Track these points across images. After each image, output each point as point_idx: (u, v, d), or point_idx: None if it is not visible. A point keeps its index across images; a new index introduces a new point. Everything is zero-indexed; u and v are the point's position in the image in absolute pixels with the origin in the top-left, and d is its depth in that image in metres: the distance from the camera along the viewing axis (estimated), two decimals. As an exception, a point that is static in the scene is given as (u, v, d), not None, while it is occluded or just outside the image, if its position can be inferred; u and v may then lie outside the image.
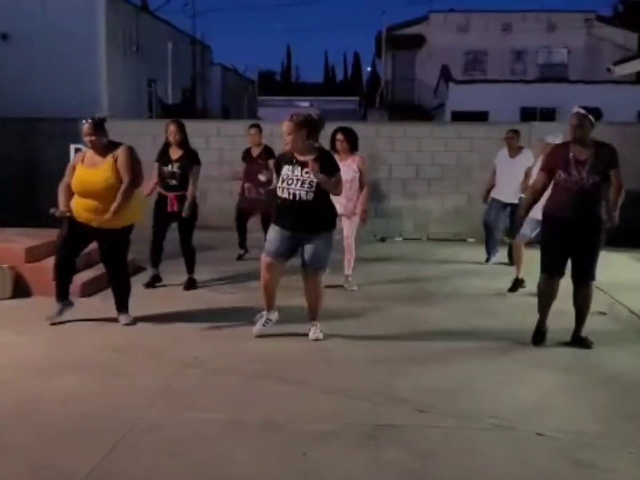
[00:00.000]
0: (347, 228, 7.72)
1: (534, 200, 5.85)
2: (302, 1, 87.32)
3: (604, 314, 6.71)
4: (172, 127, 7.50)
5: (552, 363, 5.26)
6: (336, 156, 7.52)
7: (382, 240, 11.63)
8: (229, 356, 5.34)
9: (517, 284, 7.64)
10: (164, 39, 21.40)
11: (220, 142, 11.85)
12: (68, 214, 5.92)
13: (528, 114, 22.68)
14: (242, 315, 6.36)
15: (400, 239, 11.75)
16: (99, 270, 7.49)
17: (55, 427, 4.00)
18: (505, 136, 9.26)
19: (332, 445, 3.81)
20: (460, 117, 22.27)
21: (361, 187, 7.70)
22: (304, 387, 4.67)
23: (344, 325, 6.18)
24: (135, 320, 6.16)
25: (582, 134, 5.47)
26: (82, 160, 5.97)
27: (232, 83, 30.67)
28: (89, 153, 6.00)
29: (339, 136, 7.60)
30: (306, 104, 36.30)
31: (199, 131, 11.72)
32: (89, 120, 5.91)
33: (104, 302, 6.39)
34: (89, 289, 7.03)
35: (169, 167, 7.46)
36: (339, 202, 7.50)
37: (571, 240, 5.56)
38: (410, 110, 30.22)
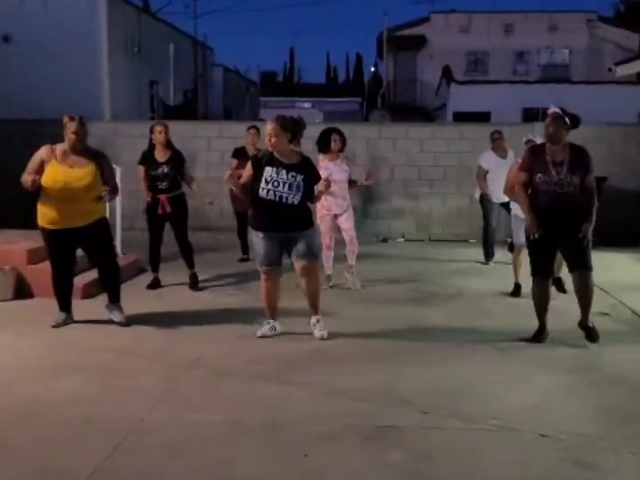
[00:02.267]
0: (345, 221, 7.74)
1: (527, 199, 5.85)
2: (304, 2, 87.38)
3: (607, 314, 6.70)
4: (160, 127, 7.49)
5: (554, 364, 5.26)
6: (326, 156, 7.60)
7: (384, 241, 11.64)
8: (231, 357, 5.34)
9: (518, 288, 7.58)
10: (166, 41, 21.38)
11: (221, 144, 11.82)
12: (38, 182, 5.77)
13: (530, 115, 22.62)
14: (244, 317, 6.37)
15: (402, 240, 11.75)
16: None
17: (57, 428, 4.00)
18: (494, 137, 9.37)
19: (334, 447, 3.80)
20: (462, 118, 22.26)
21: (351, 184, 7.83)
22: (305, 388, 4.67)
23: (346, 325, 6.18)
24: (129, 322, 6.16)
25: (554, 132, 5.52)
26: (55, 158, 5.85)
27: (234, 84, 30.64)
28: (61, 150, 5.90)
29: (336, 137, 7.65)
30: (308, 104, 36.35)
31: (200, 132, 11.75)
32: (77, 118, 5.87)
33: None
34: (91, 291, 7.03)
35: (159, 170, 7.44)
36: (335, 203, 7.57)
37: (558, 239, 5.61)
38: (412, 111, 30.24)
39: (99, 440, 3.82)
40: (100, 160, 6.00)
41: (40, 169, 5.84)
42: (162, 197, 7.46)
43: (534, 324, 5.87)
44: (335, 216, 7.69)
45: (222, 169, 11.00)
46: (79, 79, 16.50)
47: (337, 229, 7.78)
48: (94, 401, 4.41)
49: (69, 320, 6.17)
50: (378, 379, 4.85)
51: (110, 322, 6.18)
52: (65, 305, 6.19)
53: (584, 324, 5.78)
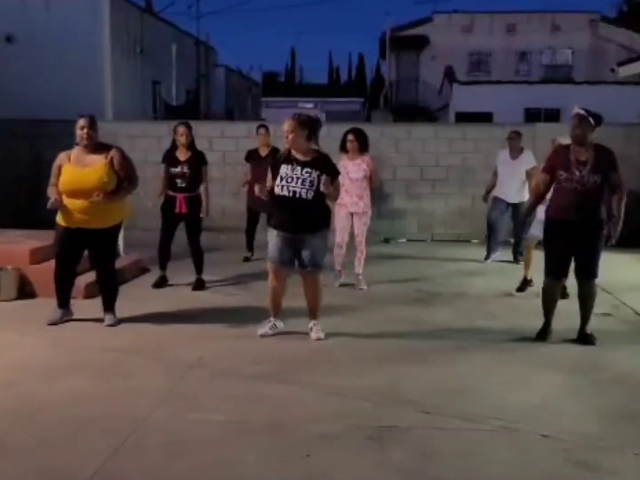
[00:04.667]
0: (358, 227, 7.81)
1: (537, 202, 5.95)
2: (306, 2, 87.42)
3: (609, 315, 6.70)
4: (182, 129, 7.55)
5: (557, 364, 5.26)
6: (345, 156, 7.66)
7: (387, 241, 11.63)
8: (233, 357, 5.34)
9: (525, 284, 7.62)
10: (169, 41, 21.40)
11: (223, 144, 11.84)
12: (59, 203, 5.88)
13: (532, 115, 22.65)
14: (246, 316, 6.37)
15: (404, 240, 11.75)
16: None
17: (59, 428, 4.00)
18: (507, 137, 9.38)
19: (336, 447, 3.81)
20: (464, 118, 22.24)
21: (372, 186, 7.83)
22: (307, 388, 4.67)
23: (348, 325, 6.18)
24: (120, 321, 6.17)
25: (581, 134, 5.55)
26: (69, 160, 5.96)
27: (236, 84, 30.66)
28: (76, 152, 5.99)
29: (350, 136, 7.72)
30: (310, 105, 36.34)
31: (202, 132, 11.71)
32: (86, 115, 5.99)
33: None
34: (94, 291, 7.02)
35: (179, 168, 7.51)
36: (350, 201, 7.63)
37: (573, 241, 5.63)
38: (414, 111, 30.21)
39: (101, 440, 3.83)
40: (111, 153, 6.01)
41: (59, 175, 5.96)
42: (180, 196, 7.51)
43: (537, 324, 5.87)
44: (351, 215, 7.73)
45: (224, 169, 11.09)
46: (82, 79, 16.51)
47: (350, 228, 7.81)
48: (96, 401, 4.41)
49: (66, 316, 6.18)
50: (380, 379, 4.85)
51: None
52: (64, 301, 6.20)
53: (582, 332, 5.79)
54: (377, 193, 8.08)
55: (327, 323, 5.95)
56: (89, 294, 6.94)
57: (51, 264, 6.25)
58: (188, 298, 7.26)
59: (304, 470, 3.55)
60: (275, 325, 5.88)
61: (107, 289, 6.29)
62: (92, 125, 5.94)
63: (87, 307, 6.48)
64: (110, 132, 11.74)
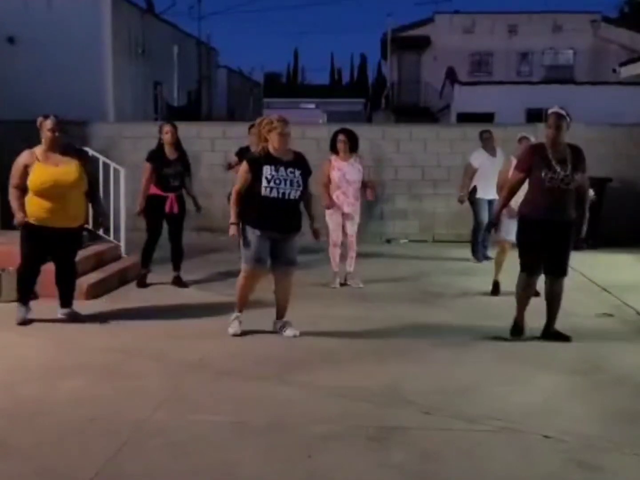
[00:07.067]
0: (350, 227, 7.85)
1: (509, 200, 5.96)
2: (308, 3, 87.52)
3: (611, 315, 6.69)
4: (168, 127, 7.56)
5: (558, 364, 5.25)
6: (336, 156, 7.67)
7: (388, 241, 11.64)
8: (234, 358, 5.34)
9: (498, 286, 7.56)
10: (170, 42, 21.42)
11: (225, 144, 11.81)
12: (26, 219, 5.84)
13: (534, 116, 22.59)
14: (247, 317, 6.35)
15: (405, 240, 11.74)
16: (105, 272, 7.53)
17: (59, 429, 4.00)
18: (485, 136, 9.65)
19: (337, 447, 3.80)
20: (465, 118, 22.24)
21: (364, 184, 7.88)
22: (308, 389, 4.67)
23: (349, 325, 6.18)
24: (76, 315, 6.14)
25: (559, 134, 5.55)
26: (37, 159, 5.87)
27: (237, 85, 30.67)
28: (41, 152, 5.91)
29: (342, 137, 7.69)
30: (312, 105, 36.30)
31: (204, 133, 11.74)
32: (51, 116, 5.91)
33: (110, 304, 6.39)
34: (96, 291, 7.04)
35: (172, 168, 7.47)
36: (348, 202, 7.64)
37: (548, 239, 5.62)
38: (416, 111, 30.24)
39: (102, 441, 3.82)
40: (82, 157, 6.10)
41: (24, 175, 5.86)
42: (172, 195, 7.49)
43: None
44: (344, 215, 7.73)
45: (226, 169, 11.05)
46: (83, 80, 16.53)
47: (343, 227, 7.84)
48: (97, 402, 4.41)
49: (28, 311, 6.13)
50: (380, 379, 4.85)
51: (114, 322, 6.19)
52: (26, 299, 6.16)
53: (551, 330, 5.78)
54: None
55: (328, 323, 5.95)
56: (90, 295, 6.93)
57: (51, 265, 6.23)
58: (188, 299, 7.26)
59: (305, 471, 3.54)
60: (241, 320, 5.90)
61: (68, 284, 6.24)
62: (60, 128, 5.90)
63: (88, 308, 6.48)
64: (113, 134, 11.80)
